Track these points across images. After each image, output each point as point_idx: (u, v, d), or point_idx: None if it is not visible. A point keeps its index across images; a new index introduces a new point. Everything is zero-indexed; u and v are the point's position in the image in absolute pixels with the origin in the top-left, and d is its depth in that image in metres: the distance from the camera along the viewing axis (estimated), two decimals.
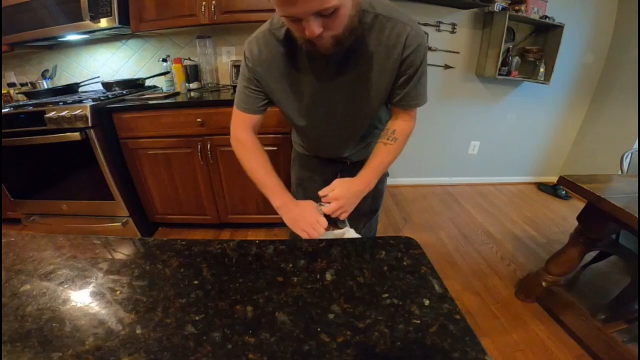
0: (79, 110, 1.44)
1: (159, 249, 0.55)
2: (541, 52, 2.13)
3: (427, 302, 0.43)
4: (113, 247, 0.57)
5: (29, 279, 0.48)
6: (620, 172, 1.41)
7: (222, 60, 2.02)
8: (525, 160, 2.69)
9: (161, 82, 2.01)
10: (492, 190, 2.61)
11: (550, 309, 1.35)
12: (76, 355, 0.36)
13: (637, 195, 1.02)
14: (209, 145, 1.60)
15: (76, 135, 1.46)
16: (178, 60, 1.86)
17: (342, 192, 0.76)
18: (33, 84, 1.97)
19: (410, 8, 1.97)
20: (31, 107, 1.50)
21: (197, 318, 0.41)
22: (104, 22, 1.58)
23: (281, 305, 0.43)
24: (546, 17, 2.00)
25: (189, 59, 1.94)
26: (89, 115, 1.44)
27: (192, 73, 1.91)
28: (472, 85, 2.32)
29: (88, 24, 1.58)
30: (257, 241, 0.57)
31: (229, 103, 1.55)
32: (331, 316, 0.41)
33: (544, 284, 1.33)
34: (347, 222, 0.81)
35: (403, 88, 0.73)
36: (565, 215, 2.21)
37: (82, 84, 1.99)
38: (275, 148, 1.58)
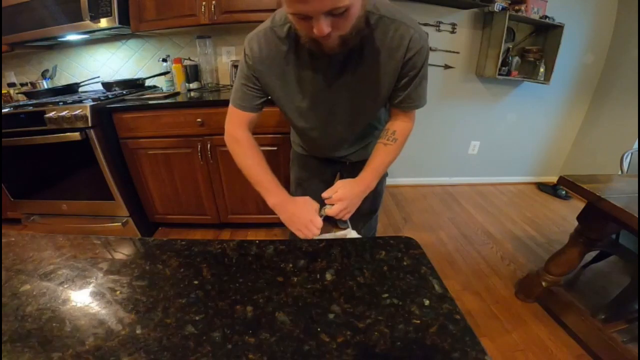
0: (79, 110, 1.44)
1: (159, 249, 0.55)
2: (541, 52, 2.13)
3: (427, 302, 0.43)
4: (113, 247, 0.57)
5: (29, 279, 0.48)
6: (620, 172, 1.41)
7: (222, 60, 2.02)
8: (525, 160, 2.69)
9: (161, 82, 2.01)
10: (492, 190, 2.61)
11: (550, 309, 1.34)
12: (76, 355, 0.36)
13: (637, 195, 1.02)
14: (209, 145, 1.60)
15: (76, 135, 1.46)
16: (178, 60, 1.86)
17: (346, 193, 0.76)
18: (33, 84, 1.97)
19: (410, 8, 1.97)
20: (31, 107, 1.50)
21: (197, 318, 0.41)
22: (104, 22, 1.58)
23: (281, 305, 0.43)
24: (546, 17, 2.00)
25: (189, 59, 1.95)
26: (89, 115, 1.44)
27: (192, 73, 1.91)
28: (472, 85, 2.32)
29: (88, 24, 1.58)
30: (257, 241, 0.57)
31: (229, 103, 1.56)
32: (331, 316, 0.41)
33: (544, 284, 1.33)
34: (348, 222, 0.81)
35: (404, 90, 0.74)
36: (565, 215, 2.21)
37: (82, 84, 1.99)
38: (275, 148, 1.58)
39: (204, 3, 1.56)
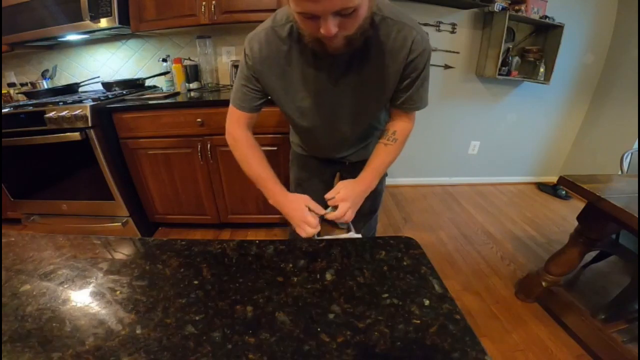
0: (79, 110, 1.44)
1: (159, 249, 0.55)
2: (541, 52, 2.13)
3: (427, 302, 0.43)
4: (113, 247, 0.57)
5: (29, 279, 0.48)
6: (620, 172, 1.41)
7: (222, 60, 2.02)
8: (525, 160, 2.69)
9: (161, 82, 2.01)
10: (492, 190, 2.61)
11: (550, 309, 1.34)
12: (76, 355, 0.36)
13: (637, 195, 1.02)
14: (209, 145, 1.60)
15: (76, 135, 1.46)
16: (178, 60, 1.86)
17: (348, 193, 0.77)
18: (33, 84, 1.97)
19: (410, 8, 1.97)
20: (31, 107, 1.50)
21: (197, 318, 0.41)
22: (104, 22, 1.58)
23: (281, 305, 0.43)
24: (546, 17, 2.00)
25: (189, 59, 1.95)
26: (89, 115, 1.44)
27: (192, 73, 1.91)
28: (472, 85, 2.32)
29: (88, 24, 1.58)
30: (257, 241, 0.57)
31: (229, 103, 1.56)
32: (331, 316, 0.41)
33: (544, 284, 1.33)
34: (350, 224, 0.81)
35: (405, 91, 0.74)
36: (565, 215, 2.21)
37: (82, 84, 1.99)
38: (275, 148, 1.58)
39: (204, 3, 1.56)
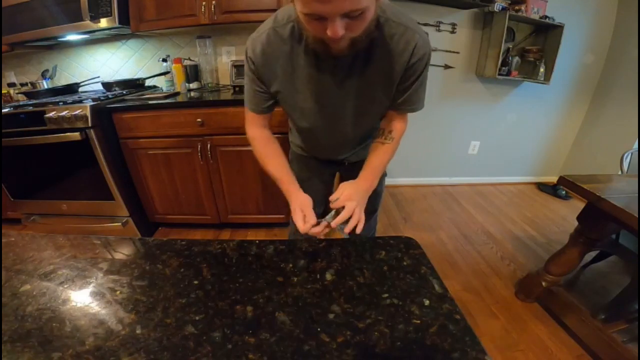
0: (79, 110, 1.44)
1: (159, 249, 0.55)
2: (541, 52, 2.13)
3: (427, 302, 0.43)
4: (113, 247, 0.57)
5: (29, 279, 0.48)
6: (620, 172, 1.41)
7: (222, 60, 2.02)
8: (525, 160, 2.69)
9: (161, 82, 2.01)
10: (492, 190, 2.61)
11: (550, 309, 1.34)
12: (76, 355, 0.36)
13: (637, 195, 1.02)
14: (209, 145, 1.60)
15: (76, 135, 1.46)
16: (178, 60, 1.86)
17: (353, 192, 0.75)
18: (33, 84, 1.97)
19: (410, 8, 1.97)
20: (31, 107, 1.50)
21: (197, 318, 0.41)
22: (104, 22, 1.58)
23: (281, 305, 0.43)
24: (546, 17, 2.00)
25: (189, 59, 1.94)
26: (89, 115, 1.44)
27: (192, 73, 1.91)
28: (472, 85, 2.32)
29: (88, 24, 1.58)
30: (257, 241, 0.57)
31: (229, 103, 1.57)
32: (331, 316, 0.41)
33: (544, 284, 1.33)
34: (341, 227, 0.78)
35: (404, 93, 0.74)
36: (565, 215, 2.21)
37: (82, 84, 1.99)
38: None
39: (204, 3, 1.56)
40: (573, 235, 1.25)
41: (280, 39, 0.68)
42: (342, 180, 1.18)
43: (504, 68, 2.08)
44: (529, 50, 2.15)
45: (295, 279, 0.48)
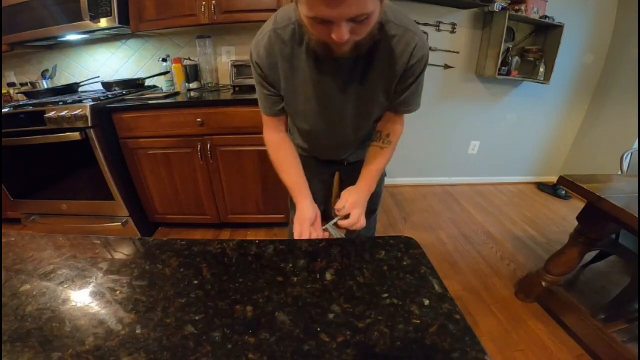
0: (79, 110, 1.44)
1: (159, 249, 0.55)
2: (541, 52, 2.13)
3: (427, 302, 0.43)
4: (113, 247, 0.57)
5: (29, 279, 0.48)
6: (620, 172, 1.41)
7: (222, 60, 2.02)
8: (525, 160, 2.69)
9: (161, 82, 2.01)
10: (492, 190, 2.61)
11: (550, 309, 1.34)
12: (76, 355, 0.36)
13: (637, 195, 1.02)
14: (209, 145, 1.60)
15: (76, 135, 1.46)
16: (178, 60, 1.86)
17: (357, 200, 0.79)
18: (33, 84, 1.97)
19: (410, 8, 1.97)
20: (31, 107, 1.50)
21: (197, 318, 0.41)
22: (104, 22, 1.58)
23: (281, 305, 0.43)
24: (546, 17, 2.00)
25: (189, 59, 1.95)
26: (89, 115, 1.44)
27: (192, 73, 1.91)
28: (472, 85, 2.32)
29: (88, 24, 1.58)
30: (257, 241, 0.57)
31: (229, 103, 1.57)
32: (331, 316, 0.41)
33: (544, 284, 1.33)
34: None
35: (401, 95, 0.74)
36: (565, 215, 2.21)
37: (82, 84, 1.99)
38: None
39: (204, 3, 1.56)
40: (573, 235, 1.25)
41: (282, 41, 0.68)
42: (341, 179, 1.18)
43: (504, 68, 2.09)
44: (529, 50, 2.16)
45: (295, 279, 0.48)
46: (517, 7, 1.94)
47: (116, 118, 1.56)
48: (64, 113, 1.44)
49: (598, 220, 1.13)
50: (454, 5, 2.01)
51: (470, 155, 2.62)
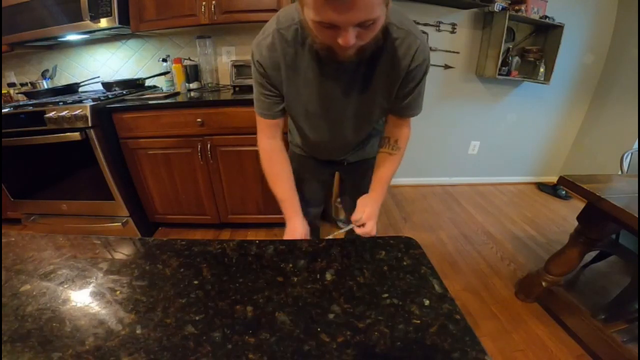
0: (79, 110, 1.44)
1: (159, 249, 0.55)
2: (541, 52, 2.13)
3: (427, 302, 0.43)
4: (113, 247, 0.57)
5: (29, 279, 0.48)
6: (620, 172, 1.41)
7: (222, 60, 2.02)
8: (525, 160, 2.69)
9: (161, 82, 2.01)
10: (492, 190, 2.61)
11: (550, 309, 1.34)
12: (76, 355, 0.36)
13: (637, 195, 1.02)
14: (209, 145, 1.60)
15: (76, 135, 1.46)
16: (178, 60, 1.86)
17: (372, 211, 0.80)
18: (33, 84, 1.97)
19: (410, 8, 1.97)
20: (31, 107, 1.50)
21: (197, 318, 0.41)
22: (104, 22, 1.58)
23: (281, 305, 0.43)
24: (546, 17, 2.00)
25: (189, 59, 1.94)
26: (89, 115, 1.44)
27: (192, 73, 1.91)
28: (472, 85, 2.32)
29: (88, 24, 1.58)
30: (257, 241, 0.57)
31: (229, 103, 1.57)
32: (331, 316, 0.41)
33: (544, 284, 1.33)
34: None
35: (404, 99, 0.74)
36: (565, 215, 2.21)
37: (82, 84, 1.99)
38: None
39: (204, 3, 1.56)
40: (573, 235, 1.25)
41: (285, 41, 0.67)
42: (341, 179, 1.18)
43: (504, 68, 2.09)
44: (529, 50, 2.15)
45: (295, 279, 0.48)
46: (517, 7, 1.94)
47: (116, 118, 1.56)
48: (64, 113, 1.44)
49: (598, 220, 1.13)
50: (454, 5, 2.01)
51: (470, 155, 2.62)
